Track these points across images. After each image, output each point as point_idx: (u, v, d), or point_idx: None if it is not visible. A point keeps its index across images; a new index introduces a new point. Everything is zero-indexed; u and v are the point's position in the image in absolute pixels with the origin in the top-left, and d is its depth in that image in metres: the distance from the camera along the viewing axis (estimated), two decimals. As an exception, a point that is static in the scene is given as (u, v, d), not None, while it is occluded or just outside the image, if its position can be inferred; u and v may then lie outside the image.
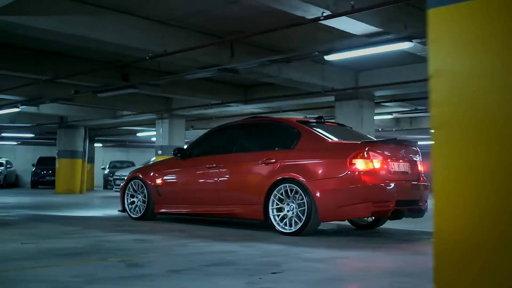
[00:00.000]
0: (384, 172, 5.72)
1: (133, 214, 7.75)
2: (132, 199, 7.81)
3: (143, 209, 7.61)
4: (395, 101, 13.16)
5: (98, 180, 27.25)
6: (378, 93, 12.25)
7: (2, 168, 25.53)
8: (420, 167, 6.33)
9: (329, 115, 16.84)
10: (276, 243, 5.32)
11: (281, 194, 5.98)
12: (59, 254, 4.56)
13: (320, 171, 5.79)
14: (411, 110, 14.63)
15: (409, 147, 6.25)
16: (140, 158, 30.10)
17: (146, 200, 7.56)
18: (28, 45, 10.11)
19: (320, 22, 6.45)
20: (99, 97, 13.16)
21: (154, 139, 26.11)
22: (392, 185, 5.70)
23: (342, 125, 7.26)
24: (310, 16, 6.45)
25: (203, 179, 7.01)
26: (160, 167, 7.79)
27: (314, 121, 6.69)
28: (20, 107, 13.95)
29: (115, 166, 27.98)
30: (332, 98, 13.63)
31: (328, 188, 5.68)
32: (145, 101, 15.82)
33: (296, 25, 6.82)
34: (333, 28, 7.18)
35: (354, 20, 6.56)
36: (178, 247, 5.11)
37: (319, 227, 6.14)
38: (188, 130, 19.13)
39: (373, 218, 6.58)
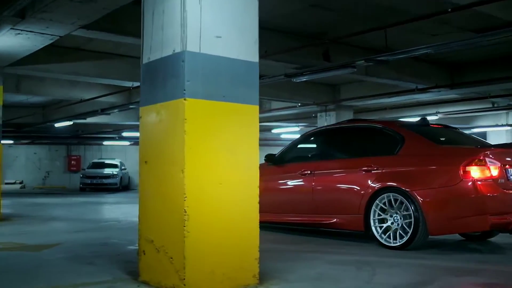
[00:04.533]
0: (503, 180, 5.23)
1: None
2: None
3: None
4: None
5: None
6: None
7: (117, 170, 23.91)
8: None
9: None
10: None
11: (384, 204, 5.59)
12: None
13: (428, 180, 5.36)
14: None
15: None
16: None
17: None
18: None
19: None
20: (276, 83, 10.81)
21: (284, 136, 23.74)
22: None
23: (449, 127, 6.64)
24: None
25: (297, 187, 6.64)
26: None
27: (418, 124, 6.21)
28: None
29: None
30: None
31: (438, 199, 5.27)
32: (309, 91, 13.33)
33: None
34: None
35: None
36: None
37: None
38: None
39: None
